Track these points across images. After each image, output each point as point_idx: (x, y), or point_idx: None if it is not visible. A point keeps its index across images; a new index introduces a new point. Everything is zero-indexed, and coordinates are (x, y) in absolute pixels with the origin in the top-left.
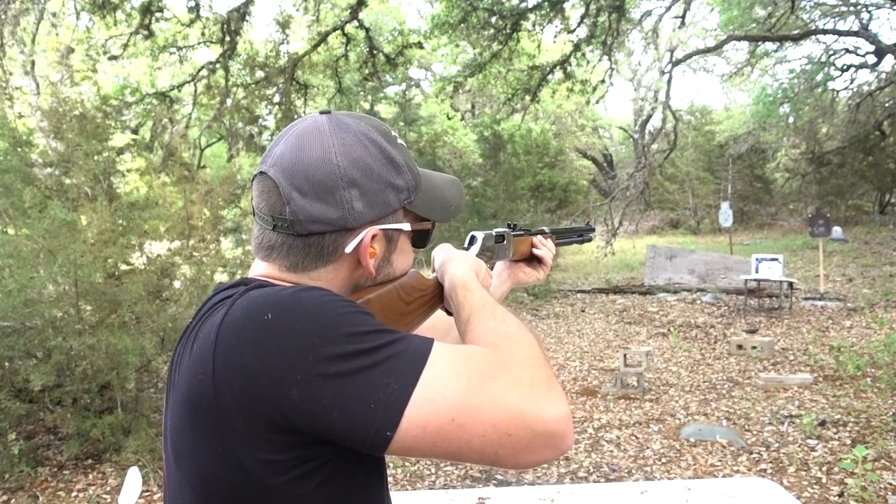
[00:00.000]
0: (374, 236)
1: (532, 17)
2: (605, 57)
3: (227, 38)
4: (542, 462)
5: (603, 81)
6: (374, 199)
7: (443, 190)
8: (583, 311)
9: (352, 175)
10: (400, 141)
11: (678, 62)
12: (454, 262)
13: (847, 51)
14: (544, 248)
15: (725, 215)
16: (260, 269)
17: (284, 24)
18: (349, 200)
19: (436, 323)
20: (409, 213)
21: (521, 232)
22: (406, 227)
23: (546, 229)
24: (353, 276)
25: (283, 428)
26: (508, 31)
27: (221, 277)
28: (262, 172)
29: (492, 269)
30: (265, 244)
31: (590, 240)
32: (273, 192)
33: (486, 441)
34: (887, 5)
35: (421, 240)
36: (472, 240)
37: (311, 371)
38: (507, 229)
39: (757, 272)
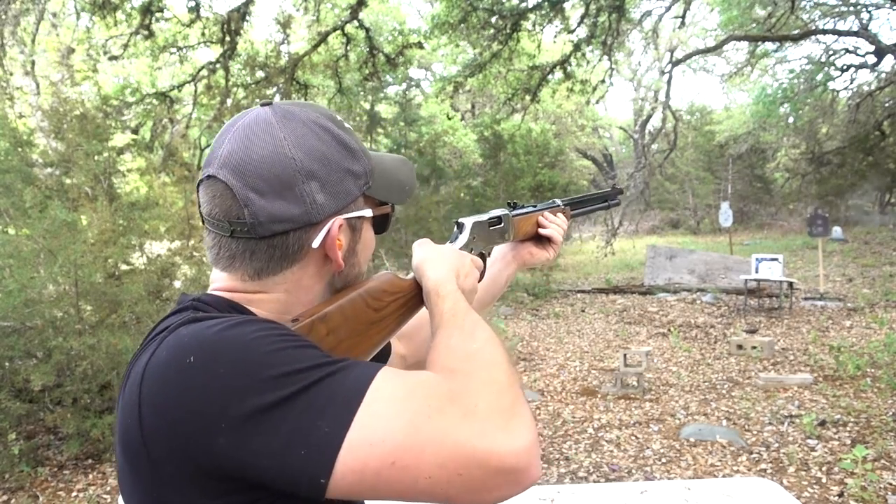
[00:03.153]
0: (339, 227)
1: (532, 17)
2: (605, 57)
3: (228, 38)
4: (504, 499)
5: (603, 81)
6: (334, 189)
7: (395, 171)
8: (583, 311)
9: (309, 167)
10: (347, 125)
11: (678, 62)
12: (430, 262)
13: (847, 51)
14: (553, 225)
15: (725, 215)
16: (220, 280)
17: (285, 24)
18: (310, 194)
19: (423, 322)
20: (368, 198)
21: (525, 210)
22: (368, 213)
23: (558, 202)
24: (321, 272)
25: (215, 475)
26: (508, 31)
27: None
28: (209, 176)
29: (489, 254)
30: (224, 254)
31: (617, 204)
32: (227, 196)
33: (435, 482)
34: (887, 5)
35: (382, 225)
36: (460, 227)
37: (236, 418)
38: (505, 210)
39: (757, 272)
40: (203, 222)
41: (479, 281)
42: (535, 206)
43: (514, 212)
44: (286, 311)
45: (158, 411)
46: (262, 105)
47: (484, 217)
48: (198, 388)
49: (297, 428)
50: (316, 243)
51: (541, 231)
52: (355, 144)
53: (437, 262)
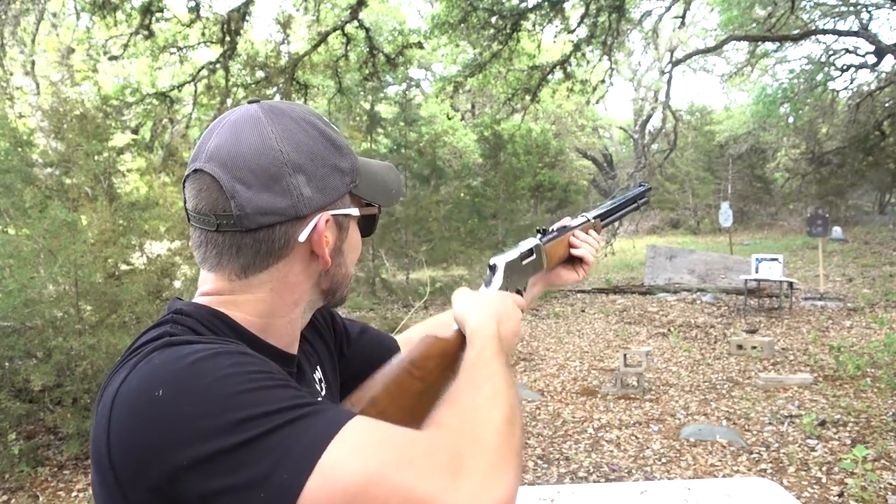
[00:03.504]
0: (326, 222)
1: (532, 17)
2: (605, 57)
3: (228, 38)
4: None
5: (603, 81)
6: (321, 184)
7: (381, 174)
8: (583, 311)
9: (296, 160)
10: (334, 125)
11: (678, 62)
12: (471, 311)
13: (847, 51)
14: (585, 244)
15: (725, 215)
16: (208, 282)
17: (285, 24)
18: (297, 187)
19: None
20: (355, 198)
21: (555, 236)
22: (355, 212)
23: (589, 216)
24: (307, 270)
25: None
26: (508, 31)
27: None
28: (196, 170)
29: (525, 289)
30: (211, 252)
31: (646, 202)
32: (213, 189)
33: None
34: (887, 5)
35: (368, 226)
36: (493, 270)
37: (199, 458)
38: (535, 241)
39: (757, 272)
40: (189, 219)
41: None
42: (565, 227)
43: (545, 239)
44: (271, 312)
45: (125, 441)
46: (250, 103)
47: (515, 254)
48: (164, 424)
49: (258, 472)
50: (302, 237)
51: (573, 252)
52: (341, 141)
53: (478, 309)
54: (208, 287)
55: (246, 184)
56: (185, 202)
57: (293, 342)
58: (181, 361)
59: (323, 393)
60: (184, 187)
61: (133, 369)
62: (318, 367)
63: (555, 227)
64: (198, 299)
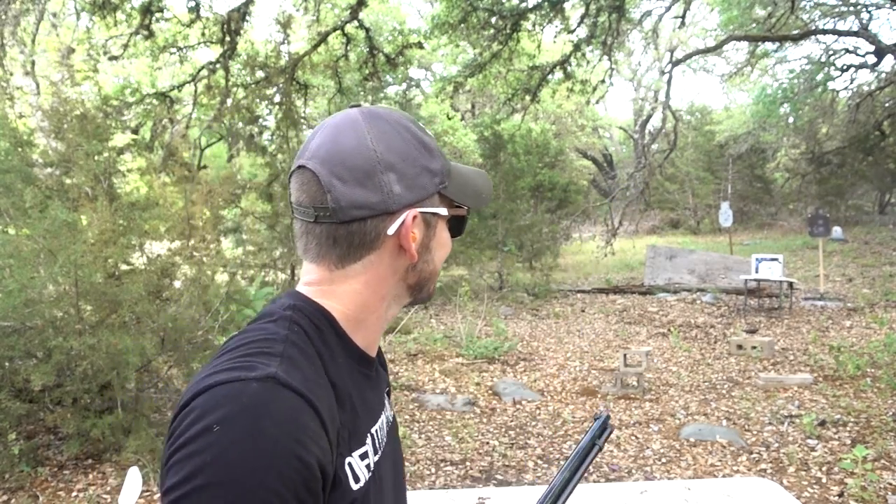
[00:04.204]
0: (414, 218)
1: (532, 17)
2: (605, 57)
3: (228, 38)
4: None
5: (603, 81)
6: (411, 183)
7: (471, 178)
8: (583, 311)
9: (389, 159)
10: (426, 130)
11: (678, 62)
12: None
13: (847, 51)
14: None
15: (725, 215)
16: (311, 273)
17: (285, 24)
18: (388, 184)
19: None
20: (444, 199)
21: None
22: (443, 211)
23: None
24: (395, 264)
25: None
26: (508, 31)
27: (222, 277)
28: (300, 166)
29: None
30: (311, 243)
31: (609, 434)
32: (313, 183)
33: None
34: (887, 5)
35: (457, 227)
36: None
37: (168, 494)
38: None
39: (757, 272)
40: (292, 212)
41: None
42: None
43: None
44: (364, 304)
45: (168, 459)
46: (352, 107)
47: None
48: (198, 460)
49: None
50: (391, 231)
51: None
52: (433, 145)
53: None
54: (311, 277)
55: (342, 179)
56: (289, 196)
57: (373, 344)
58: (250, 413)
59: (391, 413)
60: (289, 183)
61: (231, 372)
62: (386, 405)
63: None
64: (301, 288)
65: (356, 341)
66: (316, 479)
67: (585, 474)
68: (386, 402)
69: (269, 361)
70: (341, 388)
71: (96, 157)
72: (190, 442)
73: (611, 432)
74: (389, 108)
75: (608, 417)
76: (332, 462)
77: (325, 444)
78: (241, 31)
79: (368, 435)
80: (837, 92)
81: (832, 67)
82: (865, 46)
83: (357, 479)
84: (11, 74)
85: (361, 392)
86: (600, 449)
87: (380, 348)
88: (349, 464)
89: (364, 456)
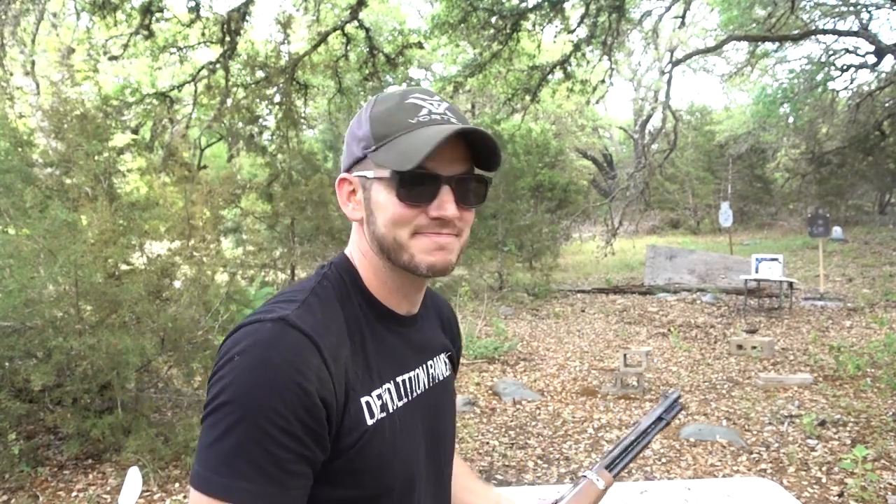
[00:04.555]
0: (347, 182)
1: (532, 17)
2: (605, 57)
3: (228, 38)
4: None
5: (603, 81)
6: (347, 150)
7: (417, 137)
8: (583, 311)
9: (346, 136)
10: (413, 99)
11: (678, 62)
12: None
13: (847, 51)
14: None
15: (725, 215)
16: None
17: (285, 24)
18: (342, 160)
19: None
20: (376, 165)
21: None
22: (370, 173)
23: (591, 473)
24: (358, 227)
25: None
26: (508, 31)
27: (222, 277)
28: None
29: None
30: None
31: (679, 411)
32: None
33: None
34: (887, 5)
35: (400, 189)
36: None
37: (204, 415)
38: None
39: (757, 272)
40: None
41: None
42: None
43: None
44: (363, 258)
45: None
46: None
47: None
48: (217, 378)
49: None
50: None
51: None
52: (368, 114)
53: None
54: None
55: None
56: None
57: (402, 303)
58: (260, 365)
59: (448, 373)
60: None
61: (258, 315)
62: (444, 353)
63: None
64: (348, 251)
65: (378, 297)
66: (315, 405)
67: (647, 445)
68: (435, 361)
69: (287, 307)
70: (356, 333)
71: (96, 157)
72: (219, 369)
73: (679, 410)
74: (397, 88)
75: (679, 397)
76: (333, 393)
77: (325, 376)
78: (241, 31)
79: (392, 381)
80: (837, 92)
81: (832, 67)
82: (865, 46)
83: (372, 415)
84: (11, 74)
85: (384, 342)
86: (667, 423)
87: (449, 315)
88: (366, 402)
89: (380, 396)
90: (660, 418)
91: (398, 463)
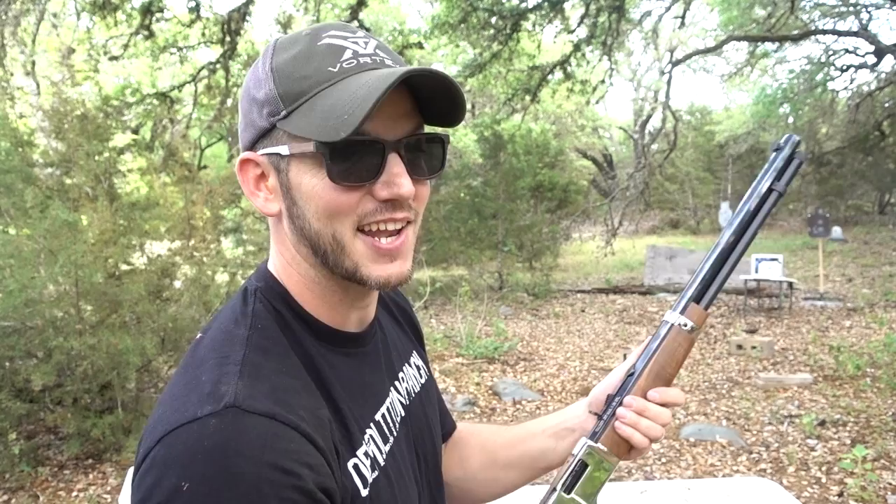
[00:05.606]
0: (252, 163)
1: (532, 17)
2: (605, 57)
3: (228, 39)
4: None
5: (603, 81)
6: (245, 120)
7: (345, 92)
8: (583, 311)
9: (241, 103)
10: (328, 40)
11: (678, 62)
12: None
13: (847, 51)
14: (627, 426)
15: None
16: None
17: (285, 25)
18: (239, 130)
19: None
20: (291, 136)
21: (605, 424)
22: (282, 149)
23: (674, 319)
24: (277, 225)
25: None
26: (508, 31)
27: (222, 277)
28: None
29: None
30: None
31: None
32: None
33: None
34: (887, 5)
35: (330, 169)
36: None
37: None
38: (586, 440)
39: (757, 272)
40: None
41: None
42: (615, 399)
43: (592, 441)
44: (289, 270)
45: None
46: None
47: (565, 476)
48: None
49: None
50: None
51: (619, 433)
52: (267, 66)
53: None
54: (271, 241)
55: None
56: None
57: (347, 318)
58: (226, 485)
59: (423, 380)
60: None
61: (185, 411)
62: (412, 356)
63: (615, 379)
64: (269, 259)
65: (321, 318)
66: (321, 502)
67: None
68: (405, 373)
69: (225, 381)
70: (318, 381)
71: (97, 158)
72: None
73: (800, 166)
74: (293, 32)
75: (799, 142)
76: (332, 475)
77: (317, 460)
78: (242, 32)
79: (371, 423)
80: (837, 92)
81: (832, 67)
82: (865, 46)
83: (365, 482)
84: (12, 75)
85: (346, 376)
86: (781, 195)
87: (403, 305)
88: (353, 466)
89: (367, 453)
90: (770, 190)
91: None
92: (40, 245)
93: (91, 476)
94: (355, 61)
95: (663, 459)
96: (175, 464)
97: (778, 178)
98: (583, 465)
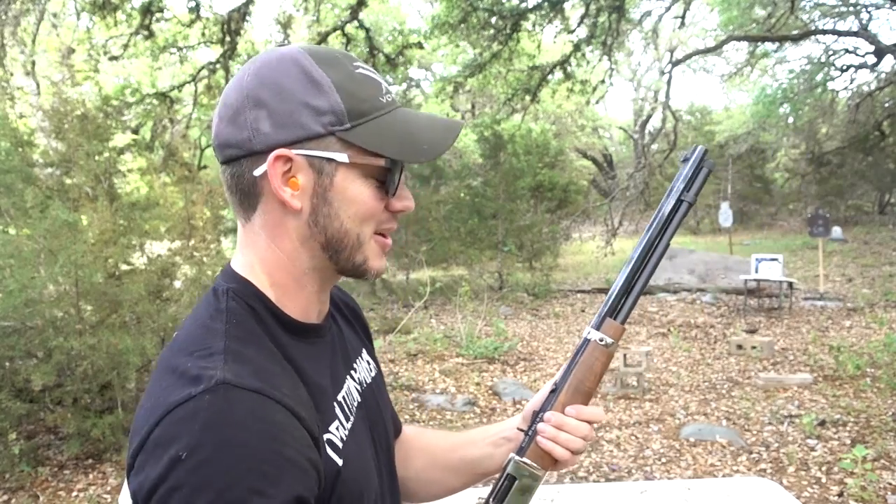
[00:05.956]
0: (284, 160)
1: (532, 17)
2: (605, 57)
3: (228, 39)
4: None
5: (603, 81)
6: (283, 120)
7: (414, 125)
8: (583, 311)
9: (258, 94)
10: (361, 70)
11: (678, 62)
12: None
13: (847, 51)
14: (551, 439)
15: (725, 215)
16: (238, 231)
17: (285, 25)
18: (255, 121)
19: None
20: (350, 145)
21: (527, 441)
22: (341, 157)
23: (592, 333)
24: (283, 216)
25: None
26: (508, 31)
27: None
28: None
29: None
30: (226, 190)
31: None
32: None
33: None
34: (887, 5)
35: (385, 181)
36: None
37: None
38: (512, 461)
39: (757, 272)
40: None
41: None
42: (538, 415)
43: (518, 456)
44: (277, 265)
45: (137, 474)
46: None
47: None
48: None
49: None
50: (258, 172)
51: (541, 447)
52: (328, 81)
53: None
54: (238, 239)
55: (220, 117)
56: None
57: (313, 311)
58: (222, 450)
59: (374, 374)
60: None
61: (178, 390)
62: (363, 351)
63: (535, 402)
64: (232, 260)
65: (289, 312)
66: (316, 476)
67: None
68: (357, 365)
69: (210, 363)
70: (298, 365)
71: (97, 158)
72: (163, 481)
73: (708, 175)
74: (310, 45)
75: (706, 152)
76: (316, 449)
77: (302, 433)
78: (242, 32)
79: (336, 405)
80: (837, 92)
81: (832, 67)
82: (865, 46)
83: (339, 453)
84: (12, 75)
85: (316, 362)
86: (691, 205)
87: (353, 305)
88: (328, 440)
89: (337, 428)
90: (679, 201)
91: (367, 492)
92: (40, 245)
93: (91, 476)
94: (390, 96)
95: (663, 459)
96: (174, 439)
97: (687, 188)
98: (511, 479)
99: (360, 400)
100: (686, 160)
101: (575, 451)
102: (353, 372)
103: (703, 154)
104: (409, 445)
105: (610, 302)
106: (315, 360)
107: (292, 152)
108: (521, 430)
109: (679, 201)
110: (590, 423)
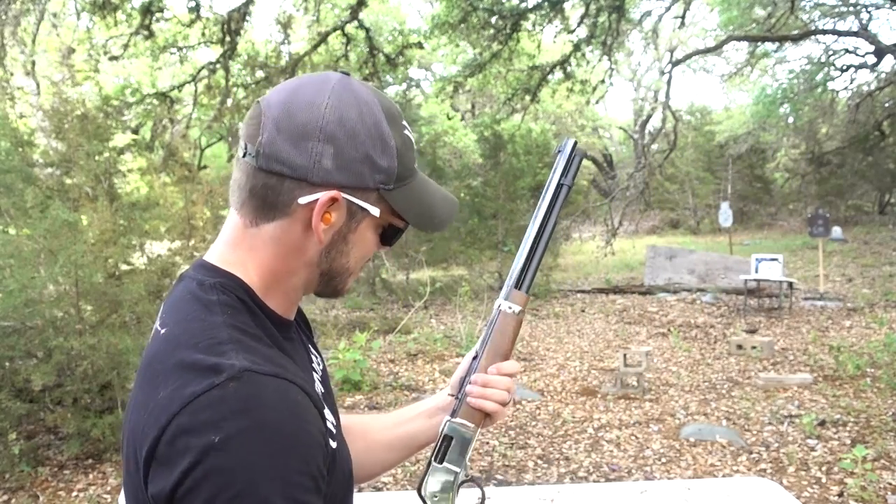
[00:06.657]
0: (333, 200)
1: (532, 17)
2: (605, 57)
3: (228, 39)
4: None
5: (603, 81)
6: (346, 165)
7: (433, 198)
8: (583, 311)
9: (333, 131)
10: (407, 132)
11: (678, 62)
12: None
13: (847, 51)
14: (479, 396)
15: (725, 215)
16: (227, 229)
17: (285, 25)
18: (319, 154)
19: (351, 425)
20: (384, 202)
21: (459, 407)
22: (374, 210)
23: (502, 303)
24: (306, 240)
25: None
26: (508, 31)
27: None
28: (258, 101)
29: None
30: (237, 183)
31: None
32: (256, 119)
33: None
34: (887, 5)
35: (389, 237)
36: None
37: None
38: (447, 423)
39: (757, 272)
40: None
41: None
42: (465, 381)
43: (451, 418)
44: (273, 273)
45: (168, 487)
46: (342, 72)
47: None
48: (206, 470)
49: None
50: (304, 200)
51: (472, 405)
52: (394, 143)
53: None
54: (227, 234)
55: (279, 128)
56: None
57: (290, 310)
58: (255, 433)
59: (322, 366)
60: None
61: (199, 381)
62: (316, 357)
63: (459, 373)
64: (211, 255)
65: (278, 311)
66: (326, 453)
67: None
68: (313, 357)
69: (228, 355)
70: (289, 356)
71: (97, 157)
72: (196, 466)
73: (580, 161)
74: (375, 90)
75: (576, 144)
76: (325, 428)
77: (315, 413)
78: (242, 31)
79: (314, 389)
80: (837, 92)
81: (832, 67)
82: (865, 46)
83: (333, 438)
84: (12, 75)
85: (296, 356)
86: (570, 188)
87: (300, 311)
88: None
89: (327, 413)
90: (559, 186)
91: (350, 475)
92: (40, 245)
93: (91, 476)
94: (417, 154)
95: (663, 460)
96: (205, 426)
97: (565, 174)
98: (448, 439)
99: (323, 391)
100: (560, 151)
101: (501, 402)
102: (314, 364)
103: (573, 145)
104: (349, 430)
105: (514, 276)
106: (296, 352)
107: (342, 195)
108: (452, 396)
109: (560, 185)
110: (510, 375)
